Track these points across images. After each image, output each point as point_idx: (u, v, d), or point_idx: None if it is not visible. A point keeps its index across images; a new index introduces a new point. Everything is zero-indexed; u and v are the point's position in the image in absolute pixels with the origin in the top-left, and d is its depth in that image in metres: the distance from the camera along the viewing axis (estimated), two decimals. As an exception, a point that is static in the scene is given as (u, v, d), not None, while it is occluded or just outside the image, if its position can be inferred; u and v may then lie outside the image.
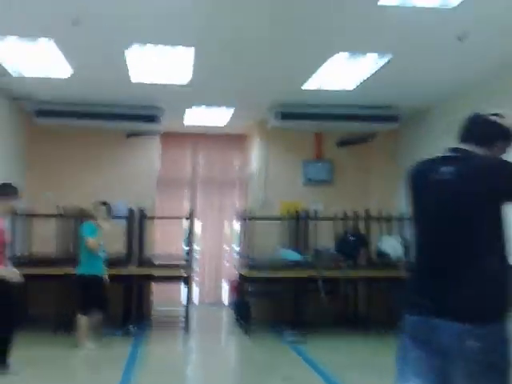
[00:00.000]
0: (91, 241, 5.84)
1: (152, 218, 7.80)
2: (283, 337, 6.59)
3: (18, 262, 5.80)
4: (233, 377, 5.66)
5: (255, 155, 8.51)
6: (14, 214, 6.39)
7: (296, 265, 6.88)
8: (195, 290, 9.14)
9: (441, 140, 5.09)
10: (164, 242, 8.73)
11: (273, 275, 6.77)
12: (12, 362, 4.71)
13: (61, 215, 7.37)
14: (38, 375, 4.94)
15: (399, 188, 7.20)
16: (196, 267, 8.98)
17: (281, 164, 8.27)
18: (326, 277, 6.64)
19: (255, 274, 6.80)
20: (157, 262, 7.23)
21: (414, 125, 7.73)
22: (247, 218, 7.40)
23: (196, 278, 9.10)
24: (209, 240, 9.37)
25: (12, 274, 4.56)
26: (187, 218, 7.47)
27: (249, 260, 7.07)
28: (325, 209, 7.96)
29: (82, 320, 5.82)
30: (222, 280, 9.25)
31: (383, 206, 7.74)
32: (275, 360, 5.86)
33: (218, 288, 9.32)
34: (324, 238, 7.68)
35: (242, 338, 6.92)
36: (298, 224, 7.65)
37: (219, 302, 9.19)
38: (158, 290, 8.55)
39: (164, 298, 8.68)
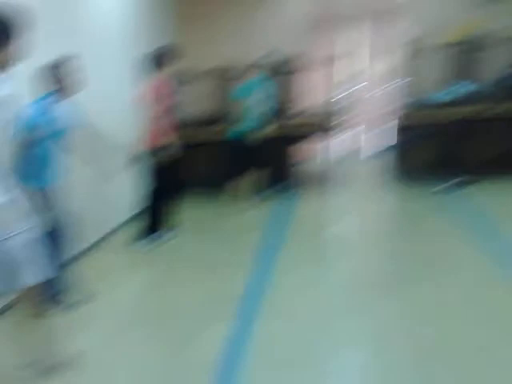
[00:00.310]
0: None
1: (303, 64, 7.31)
2: (445, 184, 5.94)
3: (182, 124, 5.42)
4: (387, 224, 5.28)
5: None
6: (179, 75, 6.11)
7: (463, 102, 5.94)
8: (353, 138, 8.72)
9: None
10: (316, 90, 7.94)
11: (435, 115, 5.97)
12: (172, 228, 4.93)
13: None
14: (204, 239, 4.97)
15: None
16: (353, 113, 8.55)
17: None
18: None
19: (412, 116, 6.12)
20: (301, 115, 6.82)
21: None
22: (410, 51, 6.49)
23: (353, 126, 8.66)
24: (370, 80, 8.63)
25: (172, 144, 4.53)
26: (330, 62, 7.00)
27: (410, 99, 6.34)
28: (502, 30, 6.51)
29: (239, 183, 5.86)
30: (382, 125, 8.43)
31: None
32: (431, 210, 5.32)
33: (381, 131, 8.56)
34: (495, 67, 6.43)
35: (398, 186, 6.48)
36: (471, 52, 6.46)
37: (379, 149, 8.49)
38: (311, 144, 7.96)
39: (319, 151, 8.14)
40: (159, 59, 4.50)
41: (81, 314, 3.41)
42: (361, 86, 8.69)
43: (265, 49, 7.11)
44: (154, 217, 4.74)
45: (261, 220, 5.46)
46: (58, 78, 3.23)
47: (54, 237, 3.27)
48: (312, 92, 8.30)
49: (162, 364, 2.78)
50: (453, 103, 6.04)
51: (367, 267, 3.98)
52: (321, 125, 6.62)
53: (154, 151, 4.49)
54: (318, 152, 8.44)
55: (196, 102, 7.39)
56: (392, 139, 6.94)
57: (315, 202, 6.43)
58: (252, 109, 5.82)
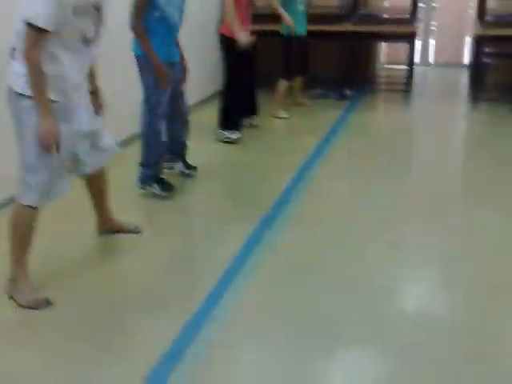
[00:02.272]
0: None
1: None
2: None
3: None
4: (428, 149, 4.90)
5: None
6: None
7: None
8: (432, 48, 8.30)
9: None
10: None
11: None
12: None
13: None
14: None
15: None
16: (432, 21, 8.16)
17: None
18: None
19: (489, 31, 5.67)
20: (379, 17, 6.50)
21: None
22: None
23: (432, 35, 8.23)
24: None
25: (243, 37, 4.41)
26: None
27: (484, 14, 5.88)
28: None
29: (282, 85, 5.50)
30: (465, 36, 7.94)
31: None
32: (495, 133, 5.06)
33: (459, 46, 8.11)
34: None
35: (468, 105, 6.14)
36: None
37: (459, 63, 8.06)
38: (386, 49, 8.01)
39: (394, 58, 7.92)
40: None
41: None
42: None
43: None
44: (230, 109, 4.72)
45: (327, 122, 5.33)
46: None
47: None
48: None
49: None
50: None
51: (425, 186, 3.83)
52: (401, 27, 6.24)
53: (229, 41, 4.46)
54: (394, 57, 8.01)
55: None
56: (470, 53, 6.49)
57: (383, 110, 6.23)
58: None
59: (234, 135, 4.69)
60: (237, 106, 4.74)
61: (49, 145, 2.18)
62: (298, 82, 5.75)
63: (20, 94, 2.18)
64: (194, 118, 4.22)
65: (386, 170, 4.11)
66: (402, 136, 5.21)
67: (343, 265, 2.71)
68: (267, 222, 3.15)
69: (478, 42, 5.93)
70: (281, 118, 5.50)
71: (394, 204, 3.47)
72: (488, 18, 5.80)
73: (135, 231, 2.97)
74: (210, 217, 3.35)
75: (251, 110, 5.09)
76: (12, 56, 2.21)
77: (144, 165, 3.45)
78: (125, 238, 2.94)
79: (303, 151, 4.46)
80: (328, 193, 3.68)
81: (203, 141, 4.66)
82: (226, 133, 4.69)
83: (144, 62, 3.28)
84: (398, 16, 6.44)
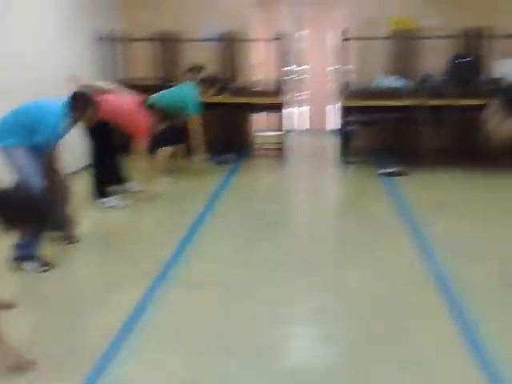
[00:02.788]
0: None
1: (243, 40, 7.37)
2: (381, 168, 6.24)
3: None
4: (302, 209, 5.39)
5: None
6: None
7: (398, 92, 6.20)
8: (302, 115, 8.89)
9: None
10: (264, 65, 8.29)
11: (371, 104, 6.22)
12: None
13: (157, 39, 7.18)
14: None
15: None
16: (300, 91, 8.77)
17: None
18: (431, 105, 5.95)
19: (352, 102, 6.32)
20: (252, 89, 6.87)
21: None
22: (345, 39, 6.52)
23: (301, 104, 8.85)
24: (315, 61, 8.75)
25: None
26: (277, 39, 6.82)
27: (347, 87, 6.51)
28: (441, 25, 6.74)
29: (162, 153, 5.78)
30: (329, 105, 8.64)
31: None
32: (362, 193, 5.62)
33: (327, 113, 8.83)
34: (439, 61, 6.61)
35: (338, 167, 6.68)
36: (406, 44, 6.64)
37: (327, 128, 8.73)
38: (261, 118, 8.47)
39: (268, 125, 8.46)
40: None
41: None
42: (308, 66, 8.79)
43: (211, 17, 7.19)
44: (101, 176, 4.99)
45: (203, 187, 5.63)
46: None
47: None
48: (262, 66, 8.42)
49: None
50: (393, 93, 6.23)
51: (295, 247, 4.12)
52: (271, 98, 6.69)
53: None
54: (266, 125, 8.58)
55: (140, 66, 7.30)
56: (337, 121, 7.15)
57: (260, 173, 6.63)
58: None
59: (114, 202, 4.89)
60: (106, 176, 5.03)
61: None
62: (180, 148, 5.98)
63: None
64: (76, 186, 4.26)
65: (263, 229, 4.40)
66: (278, 197, 5.58)
67: (227, 325, 2.86)
68: (153, 287, 3.25)
69: (345, 110, 6.55)
70: (165, 183, 5.69)
71: (272, 262, 3.72)
72: (352, 89, 6.46)
73: (9, 307, 2.90)
74: (95, 285, 3.40)
75: (120, 177, 5.34)
76: None
77: (19, 245, 3.43)
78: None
79: (188, 214, 4.66)
80: (212, 254, 3.87)
81: (86, 208, 4.68)
82: (105, 201, 4.89)
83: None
84: (269, 88, 6.92)
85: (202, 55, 7.03)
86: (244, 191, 5.67)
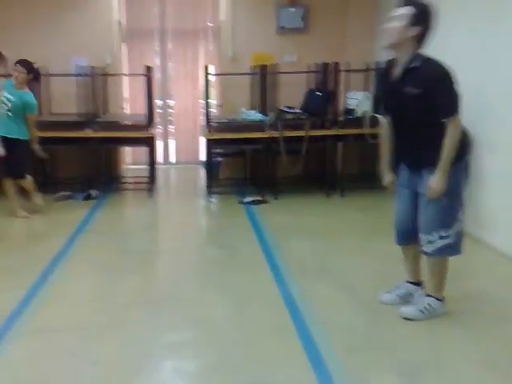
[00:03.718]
0: None
1: (109, 74, 7.37)
2: (243, 198, 6.50)
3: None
4: (167, 241, 5.45)
5: (223, 1, 7.77)
6: None
7: (258, 125, 6.56)
8: (171, 147, 9.00)
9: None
10: (135, 100, 8.36)
11: (234, 137, 6.54)
12: None
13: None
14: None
15: (379, 35, 6.82)
16: (169, 124, 8.90)
17: (250, 11, 7.60)
18: (288, 137, 6.41)
19: (216, 135, 6.60)
20: (120, 123, 6.91)
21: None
22: (208, 75, 6.79)
23: (171, 136, 8.96)
24: (183, 95, 8.86)
25: None
26: (145, 75, 6.85)
27: (210, 121, 6.75)
28: (299, 61, 7.50)
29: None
30: (199, 137, 8.77)
31: (361, 56, 7.11)
32: (225, 222, 5.85)
33: (196, 146, 8.95)
34: (296, 94, 7.14)
35: (204, 198, 6.86)
36: (265, 80, 6.99)
37: (197, 161, 8.82)
38: (129, 151, 8.60)
39: (136, 158, 8.58)
40: None
41: None
42: (175, 100, 8.98)
43: (74, 52, 7.24)
44: None
45: (71, 222, 5.51)
46: None
47: None
48: (130, 100, 8.48)
49: None
50: (254, 126, 6.58)
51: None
52: (140, 132, 6.75)
53: None
54: (135, 158, 8.64)
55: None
56: (204, 153, 7.38)
57: (127, 207, 6.63)
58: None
59: None
60: None
61: None
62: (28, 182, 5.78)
63: None
64: None
65: (127, 264, 4.41)
66: (145, 230, 5.63)
67: (85, 372, 2.85)
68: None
69: (208, 143, 6.78)
70: (22, 217, 5.57)
71: (130, 300, 3.74)
72: (213, 123, 6.71)
73: None
74: None
75: None
76: None
77: None
78: None
79: (46, 253, 4.54)
80: (70, 295, 3.79)
81: None
82: None
83: None
84: (137, 121, 6.99)
85: (71, 90, 6.95)
86: (109, 226, 5.62)
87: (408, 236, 3.42)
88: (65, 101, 7.11)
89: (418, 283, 3.59)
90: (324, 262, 4.45)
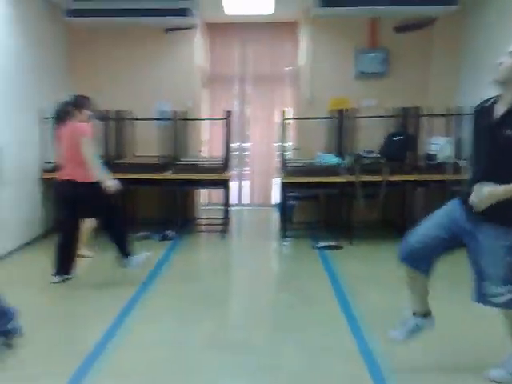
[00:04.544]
0: None
1: (190, 119, 7.58)
2: (317, 243, 6.40)
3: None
4: (240, 285, 5.44)
5: (302, 46, 7.89)
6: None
7: (334, 169, 6.48)
8: (245, 190, 9.14)
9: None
10: (213, 143, 8.61)
11: (309, 180, 6.49)
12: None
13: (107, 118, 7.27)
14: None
15: (461, 81, 7.08)
16: (245, 167, 9.10)
17: (330, 55, 7.61)
18: (365, 181, 6.28)
19: (292, 179, 6.57)
20: (197, 166, 7.06)
21: (480, 7, 6.74)
22: (285, 119, 6.85)
23: (245, 179, 9.13)
24: (259, 138, 9.04)
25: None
26: (225, 119, 7.00)
27: (286, 164, 6.75)
28: (378, 105, 7.36)
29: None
30: (273, 180, 8.82)
31: (444, 100, 6.96)
32: (299, 267, 5.72)
33: (269, 188, 9.06)
34: (375, 138, 7.05)
35: (278, 241, 6.85)
36: (343, 124, 7.03)
37: (270, 203, 8.91)
38: (204, 192, 8.78)
39: (213, 199, 8.82)
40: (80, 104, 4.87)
41: None
42: (251, 142, 9.11)
43: (156, 97, 7.54)
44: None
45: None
46: None
47: None
48: (208, 143, 8.71)
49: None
50: (330, 169, 6.51)
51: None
52: (216, 174, 6.84)
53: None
54: (210, 199, 8.80)
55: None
56: (278, 195, 7.37)
57: (201, 249, 6.68)
58: None
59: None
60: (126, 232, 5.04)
61: None
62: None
63: None
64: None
65: (201, 309, 4.38)
66: (218, 273, 5.59)
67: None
68: (78, 377, 3.15)
69: (283, 186, 6.77)
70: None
71: (203, 345, 3.68)
72: (289, 166, 6.70)
73: None
74: (15, 375, 3.19)
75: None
76: None
77: None
78: None
79: (120, 297, 4.56)
80: (141, 342, 3.75)
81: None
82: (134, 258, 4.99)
83: None
84: (214, 164, 7.11)
85: (153, 133, 7.22)
86: (183, 269, 5.64)
87: (418, 258, 3.08)
88: (147, 143, 7.39)
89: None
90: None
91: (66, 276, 4.97)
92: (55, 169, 6.60)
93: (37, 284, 4.97)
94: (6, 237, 5.73)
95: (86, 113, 4.86)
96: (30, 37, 6.45)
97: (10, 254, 5.87)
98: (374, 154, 6.76)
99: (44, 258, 5.90)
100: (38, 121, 6.66)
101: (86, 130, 4.74)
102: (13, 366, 3.32)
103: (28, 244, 6.31)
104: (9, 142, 5.87)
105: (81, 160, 4.71)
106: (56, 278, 4.92)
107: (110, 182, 4.78)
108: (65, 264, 4.95)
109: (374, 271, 5.43)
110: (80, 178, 4.74)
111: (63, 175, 4.87)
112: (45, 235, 6.68)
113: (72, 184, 4.77)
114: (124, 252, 4.99)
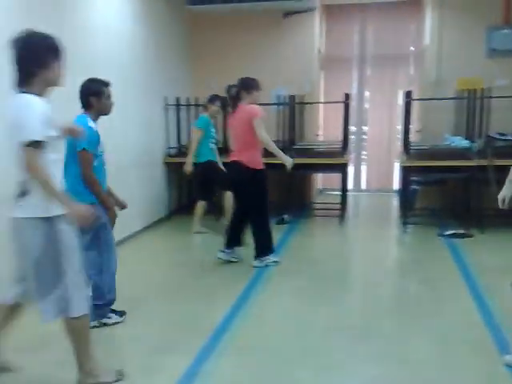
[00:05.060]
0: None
1: (307, 103, 7.57)
2: (443, 230, 6.05)
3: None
4: (361, 271, 5.19)
5: (428, 24, 7.44)
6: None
7: (462, 153, 6.08)
8: (363, 175, 8.94)
9: None
10: (329, 126, 8.48)
11: (434, 164, 6.10)
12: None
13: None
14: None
15: None
16: (362, 151, 8.89)
17: (458, 33, 7.11)
18: (498, 165, 5.64)
19: (416, 162, 6.21)
20: (314, 150, 6.99)
21: None
22: (410, 100, 6.49)
23: (363, 163, 8.92)
24: (378, 122, 8.75)
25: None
26: (344, 102, 6.87)
27: (409, 147, 6.43)
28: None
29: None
30: (393, 164, 8.56)
31: None
32: (423, 255, 5.42)
33: (389, 173, 8.75)
34: (509, 120, 6.57)
35: (398, 228, 6.56)
36: (474, 105, 6.58)
37: (389, 188, 8.65)
38: (320, 177, 8.72)
39: (329, 184, 8.72)
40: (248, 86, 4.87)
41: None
42: (371, 126, 8.83)
43: (275, 82, 7.44)
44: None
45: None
46: (93, 101, 3.38)
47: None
48: (324, 127, 8.57)
49: None
50: (457, 153, 6.13)
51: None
52: (334, 159, 6.70)
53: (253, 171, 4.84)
54: (327, 184, 8.68)
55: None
56: (398, 180, 7.08)
57: (319, 233, 6.58)
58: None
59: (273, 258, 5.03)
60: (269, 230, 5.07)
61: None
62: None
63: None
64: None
65: (322, 291, 4.30)
66: (337, 258, 5.47)
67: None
68: (204, 353, 3.20)
69: (405, 171, 6.47)
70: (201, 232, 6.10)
71: (328, 327, 3.60)
72: (412, 150, 6.39)
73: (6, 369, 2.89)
74: (146, 349, 3.31)
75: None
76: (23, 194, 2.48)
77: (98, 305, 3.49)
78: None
79: (243, 276, 4.64)
80: (265, 318, 3.78)
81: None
82: (269, 258, 5.00)
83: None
84: (331, 148, 6.98)
85: (271, 118, 7.16)
86: (302, 252, 5.61)
87: None
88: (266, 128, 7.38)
89: None
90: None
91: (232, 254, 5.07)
92: (177, 154, 6.93)
93: (163, 262, 5.20)
94: (134, 217, 5.99)
95: (255, 94, 4.84)
96: (155, 26, 6.67)
97: (138, 233, 6.15)
98: (508, 137, 6.25)
99: (169, 238, 6.20)
100: (163, 107, 6.94)
101: (256, 112, 4.75)
102: (143, 344, 3.46)
103: (153, 225, 6.58)
104: (138, 126, 6.18)
105: (250, 142, 4.76)
106: (223, 255, 5.05)
107: (287, 159, 4.88)
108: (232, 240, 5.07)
109: (510, 263, 4.98)
110: (246, 163, 4.78)
111: (233, 157, 4.94)
112: (168, 217, 6.98)
113: (237, 166, 4.84)
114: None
